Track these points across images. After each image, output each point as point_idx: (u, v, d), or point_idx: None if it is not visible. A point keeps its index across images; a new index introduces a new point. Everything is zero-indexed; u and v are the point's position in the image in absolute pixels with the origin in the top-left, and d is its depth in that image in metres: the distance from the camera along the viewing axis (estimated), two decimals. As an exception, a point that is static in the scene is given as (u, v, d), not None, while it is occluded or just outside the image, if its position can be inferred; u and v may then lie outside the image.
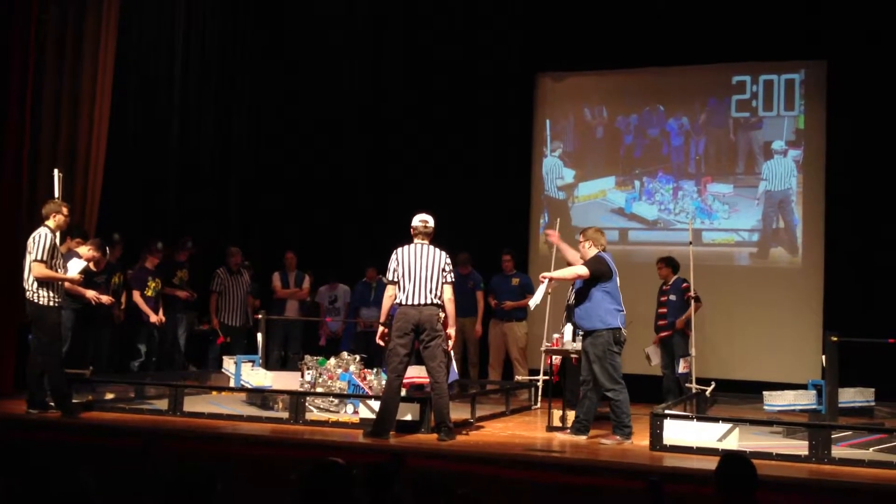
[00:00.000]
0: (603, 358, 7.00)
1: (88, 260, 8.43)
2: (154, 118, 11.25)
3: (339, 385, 8.04)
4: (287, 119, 12.50)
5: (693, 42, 10.91)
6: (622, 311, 7.16)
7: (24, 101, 8.84)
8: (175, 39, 11.48)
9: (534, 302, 7.46)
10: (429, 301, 6.91)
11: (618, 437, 7.00)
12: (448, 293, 7.01)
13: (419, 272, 6.93)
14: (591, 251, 7.24)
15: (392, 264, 7.01)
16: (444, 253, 7.07)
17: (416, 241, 7.06)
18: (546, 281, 7.25)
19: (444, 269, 6.99)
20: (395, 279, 6.98)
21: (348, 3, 12.48)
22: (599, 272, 7.07)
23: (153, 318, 9.36)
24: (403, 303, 6.93)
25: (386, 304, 7.13)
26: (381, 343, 7.18)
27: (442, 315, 6.97)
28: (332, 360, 8.26)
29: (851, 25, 10.29)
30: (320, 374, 8.16)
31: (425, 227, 7.09)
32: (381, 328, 7.16)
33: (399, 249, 7.03)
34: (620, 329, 7.07)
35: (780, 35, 10.63)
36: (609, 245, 7.71)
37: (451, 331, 7.07)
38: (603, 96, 11.68)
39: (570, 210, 11.57)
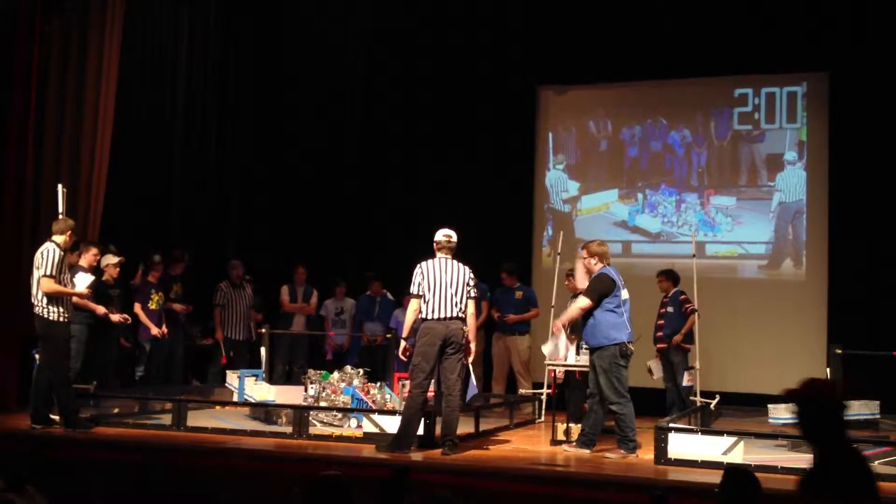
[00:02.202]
0: (609, 371, 6.99)
1: (118, 266, 8.63)
2: (157, 132, 11.32)
3: (343, 399, 8.04)
4: (287, 134, 12.52)
5: (695, 55, 10.92)
6: (628, 324, 7.11)
7: (28, 115, 8.87)
8: (178, 55, 11.56)
9: (551, 351, 7.47)
10: (455, 315, 6.91)
11: (622, 451, 6.98)
12: (471, 308, 7.03)
13: (445, 286, 6.93)
14: (598, 266, 7.22)
15: (416, 278, 6.99)
16: (467, 268, 7.09)
17: (439, 255, 7.08)
18: (561, 330, 7.24)
19: (468, 284, 7.01)
20: (420, 293, 6.96)
21: (347, 16, 12.52)
22: (600, 293, 7.04)
23: (155, 331, 9.37)
24: (429, 317, 6.92)
25: (409, 318, 7.10)
26: (404, 358, 7.17)
27: (466, 329, 6.98)
28: (336, 374, 8.26)
29: (853, 37, 10.30)
30: (324, 388, 8.16)
31: (448, 241, 7.11)
32: (403, 343, 7.14)
33: (423, 263, 7.04)
34: (626, 343, 7.04)
35: (781, 47, 10.64)
36: (612, 258, 7.70)
37: (472, 345, 7.08)
38: (605, 109, 11.69)
39: (574, 222, 11.57)
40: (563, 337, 7.37)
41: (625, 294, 7.16)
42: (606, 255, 7.28)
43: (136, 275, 9.79)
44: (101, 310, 8.32)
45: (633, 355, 7.12)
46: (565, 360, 7.66)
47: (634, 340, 7.20)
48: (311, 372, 8.43)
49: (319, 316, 11.28)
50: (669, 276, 9.34)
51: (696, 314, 9.09)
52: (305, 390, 8.20)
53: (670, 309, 9.18)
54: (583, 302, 7.06)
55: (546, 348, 7.64)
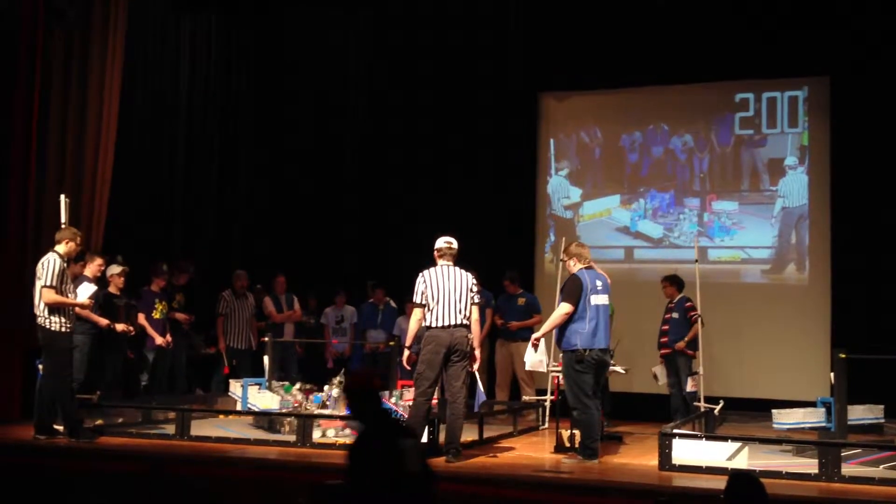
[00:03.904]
0: (568, 376, 7.00)
1: (122, 276, 8.66)
2: (159, 144, 11.36)
3: (309, 407, 8.17)
4: (288, 141, 12.53)
5: (696, 60, 10.92)
6: (599, 330, 7.02)
7: (30, 126, 8.90)
8: (180, 66, 11.61)
9: (532, 363, 7.40)
10: (459, 322, 6.90)
11: (579, 457, 7.01)
12: (475, 314, 7.03)
13: (449, 294, 6.92)
14: (577, 267, 7.22)
15: (420, 287, 6.97)
16: (470, 274, 7.08)
17: (440, 262, 7.07)
18: (541, 344, 7.19)
19: (471, 290, 7.00)
20: (424, 301, 6.94)
21: (348, 25, 12.54)
22: (577, 295, 6.99)
23: (159, 341, 9.36)
24: (433, 325, 6.91)
25: (413, 327, 7.08)
26: (408, 367, 7.17)
27: (470, 336, 6.97)
28: (298, 385, 8.45)
29: (853, 42, 10.29)
30: (329, 396, 8.22)
31: (450, 248, 7.10)
32: (407, 352, 7.13)
33: (426, 272, 7.02)
34: (583, 350, 6.94)
35: (782, 52, 10.64)
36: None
37: (477, 352, 7.08)
38: (606, 115, 11.69)
39: (577, 228, 11.57)
40: (542, 348, 7.31)
41: (600, 299, 7.06)
42: (583, 255, 7.24)
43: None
44: (103, 321, 8.33)
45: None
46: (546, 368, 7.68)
47: (612, 348, 7.18)
48: (273, 384, 8.50)
49: (320, 324, 11.27)
50: (674, 282, 9.32)
51: (701, 321, 9.06)
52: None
53: (675, 315, 9.17)
54: (563, 308, 7.01)
55: (528, 357, 7.51)
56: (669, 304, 9.31)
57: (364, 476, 3.89)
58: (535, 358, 7.27)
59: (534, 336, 7.24)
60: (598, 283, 7.13)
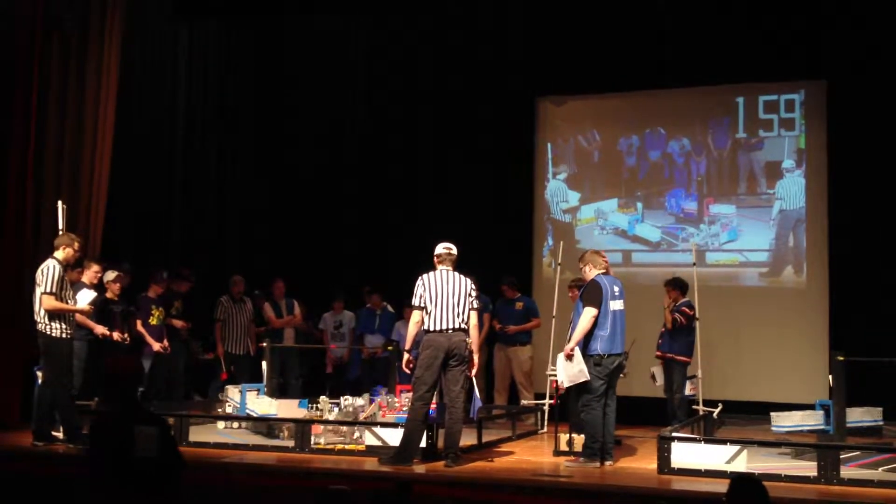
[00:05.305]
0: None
1: (117, 281, 8.63)
2: (157, 151, 11.37)
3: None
4: (287, 147, 12.53)
5: (693, 64, 10.93)
6: (616, 336, 7.09)
7: (29, 128, 8.90)
8: (177, 74, 11.62)
9: (571, 375, 7.11)
10: (457, 326, 6.92)
11: (581, 459, 7.04)
12: (474, 319, 7.04)
13: (447, 297, 6.94)
14: (592, 273, 7.26)
15: (418, 290, 7.00)
16: (469, 279, 7.09)
17: (440, 267, 7.09)
18: (577, 353, 7.06)
19: (470, 295, 7.02)
20: (422, 304, 6.96)
21: (345, 32, 12.55)
22: (599, 299, 7.07)
23: (156, 347, 9.35)
24: (431, 329, 6.92)
25: (412, 330, 7.10)
26: (407, 370, 7.17)
27: (469, 341, 6.97)
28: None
29: (850, 45, 10.32)
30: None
31: (449, 253, 7.14)
32: (406, 355, 7.14)
33: (425, 276, 7.05)
34: (604, 354, 7.03)
35: (779, 55, 10.65)
36: (613, 267, 7.72)
37: (476, 357, 7.09)
38: (604, 119, 11.70)
39: (574, 232, 11.57)
40: (578, 357, 7.09)
41: (617, 305, 7.14)
42: (599, 262, 7.29)
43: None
44: (98, 329, 8.29)
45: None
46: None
47: (625, 352, 7.19)
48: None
49: (318, 329, 11.26)
50: (676, 286, 9.28)
51: (676, 323, 9.00)
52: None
53: (675, 319, 9.16)
54: (590, 313, 7.06)
55: (565, 372, 7.17)
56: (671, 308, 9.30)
57: (99, 457, 4.10)
58: (574, 369, 7.06)
59: (567, 347, 7.13)
60: (616, 288, 7.22)
